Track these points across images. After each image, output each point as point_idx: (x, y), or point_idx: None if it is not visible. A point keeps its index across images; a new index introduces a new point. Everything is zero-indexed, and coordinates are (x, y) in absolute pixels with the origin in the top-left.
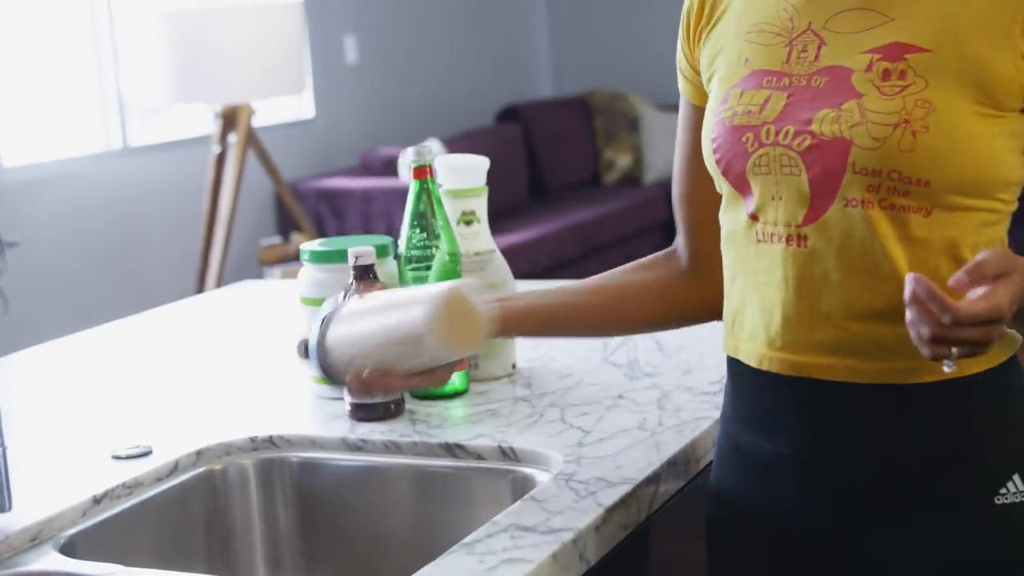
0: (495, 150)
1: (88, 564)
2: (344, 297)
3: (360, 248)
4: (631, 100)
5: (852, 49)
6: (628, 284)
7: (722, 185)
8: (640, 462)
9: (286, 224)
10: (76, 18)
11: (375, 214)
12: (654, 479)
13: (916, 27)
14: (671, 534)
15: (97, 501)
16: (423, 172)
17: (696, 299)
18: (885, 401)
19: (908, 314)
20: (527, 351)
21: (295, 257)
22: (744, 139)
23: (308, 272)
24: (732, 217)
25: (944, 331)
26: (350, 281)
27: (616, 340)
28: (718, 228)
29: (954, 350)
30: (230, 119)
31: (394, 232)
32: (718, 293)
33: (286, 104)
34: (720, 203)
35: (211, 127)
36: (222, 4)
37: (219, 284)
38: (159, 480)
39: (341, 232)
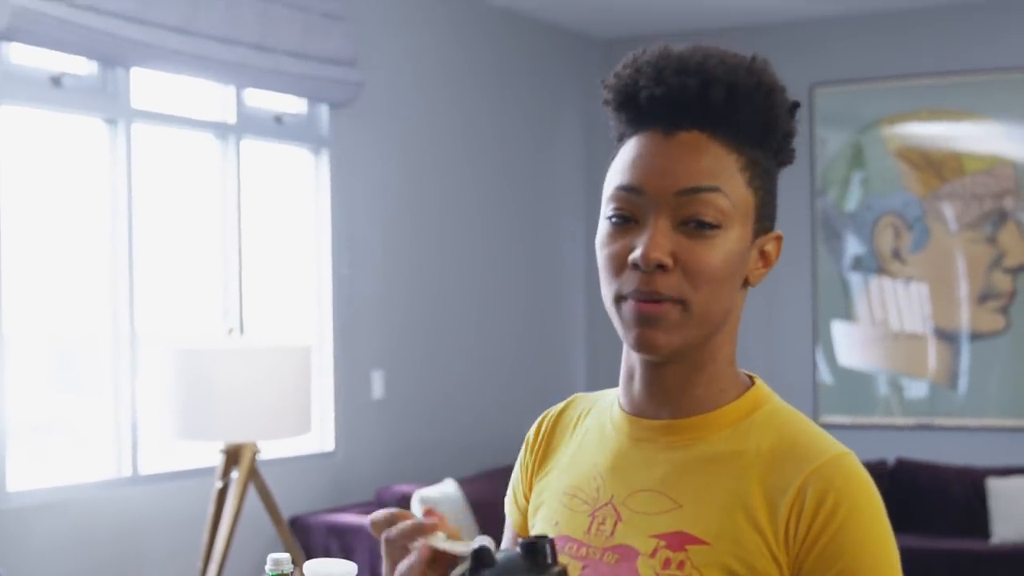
0: None
1: None
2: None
3: None
4: None
5: (643, 531)
6: None
7: None
8: None
9: (295, 559)
10: (98, 347)
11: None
12: None
13: (700, 518)
14: None
15: None
16: None
17: None
18: None
19: None
20: None
21: None
22: None
23: None
24: None
25: None
26: None
27: None
28: None
29: None
30: (234, 456)
31: None
32: None
33: (307, 437)
34: None
35: (218, 460)
36: (234, 345)
37: None
38: None
39: None
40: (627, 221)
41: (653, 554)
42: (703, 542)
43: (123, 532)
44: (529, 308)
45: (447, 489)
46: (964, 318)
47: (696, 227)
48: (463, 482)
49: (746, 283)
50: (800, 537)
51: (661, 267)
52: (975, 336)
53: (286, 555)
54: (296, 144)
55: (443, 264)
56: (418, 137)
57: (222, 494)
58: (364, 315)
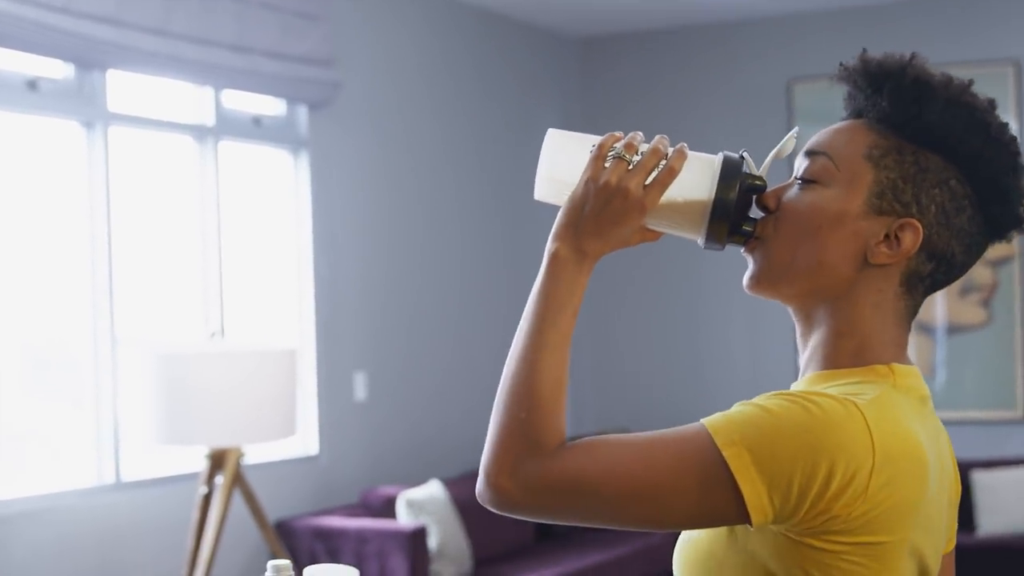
0: None
1: None
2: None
3: None
4: None
5: None
6: None
7: None
8: None
9: None
10: (78, 352)
11: (369, 555)
12: None
13: None
14: None
15: None
16: None
17: None
18: None
19: None
20: None
21: None
22: None
23: None
24: None
25: None
26: None
27: None
28: None
29: None
30: (218, 461)
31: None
32: None
33: (290, 441)
34: None
35: (202, 465)
36: (216, 349)
37: None
38: None
39: None
40: None
41: None
42: None
43: (107, 540)
44: (510, 306)
45: (432, 490)
46: (940, 312)
47: (801, 183)
48: (448, 483)
49: (867, 262)
50: None
51: (766, 209)
52: (954, 329)
53: (287, 562)
54: (275, 145)
55: (424, 264)
56: (397, 137)
57: (207, 499)
58: (346, 317)
